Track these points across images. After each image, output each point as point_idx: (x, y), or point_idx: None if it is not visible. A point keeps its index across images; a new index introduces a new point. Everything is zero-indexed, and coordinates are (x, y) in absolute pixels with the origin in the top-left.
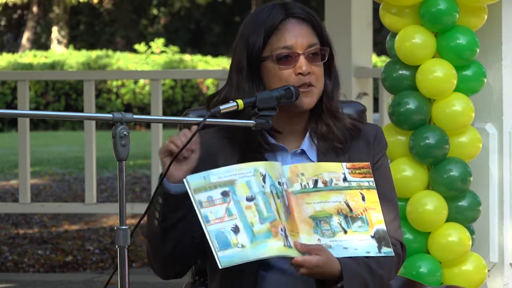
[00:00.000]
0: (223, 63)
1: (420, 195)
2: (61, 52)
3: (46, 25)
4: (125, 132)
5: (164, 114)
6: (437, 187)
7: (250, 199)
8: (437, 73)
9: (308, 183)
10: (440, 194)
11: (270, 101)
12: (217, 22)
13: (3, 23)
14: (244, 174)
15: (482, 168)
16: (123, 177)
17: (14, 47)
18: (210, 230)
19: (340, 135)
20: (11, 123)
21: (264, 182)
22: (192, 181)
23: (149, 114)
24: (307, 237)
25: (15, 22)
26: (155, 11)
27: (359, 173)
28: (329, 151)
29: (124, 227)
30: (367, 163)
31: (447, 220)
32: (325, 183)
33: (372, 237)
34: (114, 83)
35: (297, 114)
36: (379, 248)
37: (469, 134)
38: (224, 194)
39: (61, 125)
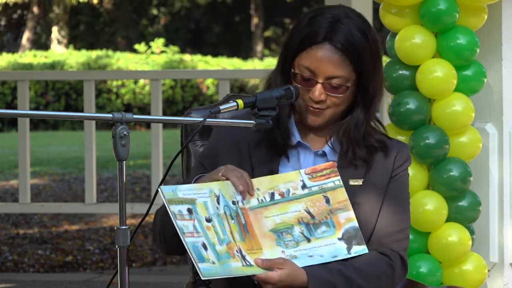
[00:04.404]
0: (223, 63)
1: (420, 195)
2: (61, 52)
3: (46, 25)
4: (125, 132)
5: (164, 114)
6: (437, 187)
7: (208, 220)
8: (437, 73)
9: (264, 197)
10: (440, 194)
11: (270, 101)
12: (217, 22)
13: (3, 23)
14: (201, 195)
15: (482, 168)
16: (123, 177)
17: (14, 47)
18: (187, 242)
19: (360, 155)
20: (11, 123)
21: (218, 203)
22: (165, 192)
23: (149, 114)
24: (271, 251)
25: (15, 22)
26: (155, 11)
27: (321, 176)
28: (349, 162)
29: (124, 227)
30: (331, 163)
31: (447, 220)
32: (282, 194)
33: (340, 239)
34: (114, 83)
35: None
36: (349, 249)
37: (469, 134)
38: (189, 211)
39: (61, 125)
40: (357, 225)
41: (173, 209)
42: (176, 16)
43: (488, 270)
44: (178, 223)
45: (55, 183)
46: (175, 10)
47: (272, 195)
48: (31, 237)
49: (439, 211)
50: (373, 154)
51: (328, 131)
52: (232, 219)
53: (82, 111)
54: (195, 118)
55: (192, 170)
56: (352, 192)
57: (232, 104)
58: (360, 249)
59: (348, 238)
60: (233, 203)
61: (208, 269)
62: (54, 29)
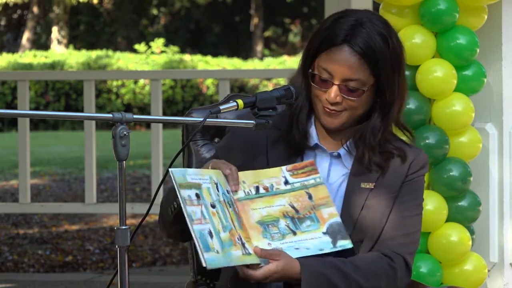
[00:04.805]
0: (223, 63)
1: None
2: (61, 52)
3: (46, 25)
4: (125, 132)
5: (164, 114)
6: (437, 187)
7: (212, 205)
8: (437, 73)
9: (250, 190)
10: (440, 194)
11: (270, 101)
12: (217, 22)
13: (3, 23)
14: (205, 180)
15: (482, 168)
16: (123, 177)
17: (14, 47)
18: (195, 229)
19: (375, 161)
20: (11, 123)
21: (218, 190)
22: (176, 175)
23: (149, 114)
24: (257, 243)
25: (15, 22)
26: (155, 11)
27: (302, 173)
28: (364, 167)
29: (124, 227)
30: (311, 161)
31: (447, 220)
32: (266, 188)
33: (325, 233)
34: (114, 83)
35: None
36: (334, 243)
37: (469, 134)
38: (197, 196)
39: (61, 125)
40: (340, 220)
41: (183, 193)
42: (176, 16)
43: (488, 270)
44: (188, 209)
45: (55, 183)
46: (175, 10)
47: (257, 188)
48: (31, 237)
49: (439, 211)
50: (388, 161)
51: (345, 134)
52: (230, 207)
53: (82, 111)
54: (195, 118)
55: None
56: (362, 195)
57: (232, 104)
58: (345, 243)
59: (332, 233)
60: (227, 192)
61: (212, 259)
62: (54, 29)
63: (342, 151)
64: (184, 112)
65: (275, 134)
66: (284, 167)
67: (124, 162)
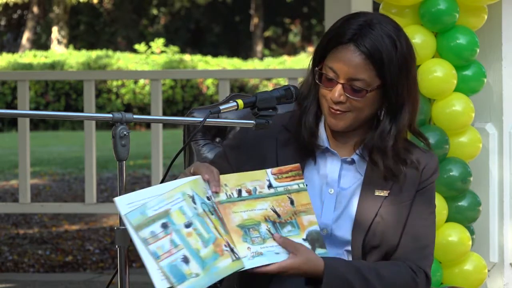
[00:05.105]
0: (223, 63)
1: None
2: (61, 52)
3: (46, 25)
4: (125, 132)
5: (164, 114)
6: (437, 187)
7: (188, 225)
8: (437, 73)
9: (232, 193)
10: (440, 194)
11: (270, 101)
12: (217, 22)
13: (3, 23)
14: (175, 201)
15: (482, 168)
16: (123, 177)
17: (14, 47)
18: (162, 266)
19: (388, 167)
20: (11, 123)
21: (195, 203)
22: (132, 218)
23: (149, 114)
24: (237, 247)
25: (15, 22)
26: (155, 11)
27: (286, 177)
28: (377, 172)
29: (124, 227)
30: (296, 165)
31: (447, 220)
32: (249, 192)
33: (305, 239)
34: (114, 83)
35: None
36: (313, 250)
37: (469, 134)
38: (164, 226)
39: (61, 125)
40: (318, 229)
41: (143, 234)
42: (176, 16)
43: (488, 270)
44: (151, 249)
45: (55, 183)
46: (175, 10)
47: (239, 191)
48: (31, 237)
49: (439, 211)
50: (403, 168)
51: (355, 137)
52: (212, 214)
53: (82, 111)
54: (196, 118)
55: (216, 158)
56: (376, 202)
57: (232, 104)
58: (322, 251)
59: (311, 240)
60: (208, 198)
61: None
62: (54, 29)
63: (355, 157)
64: (184, 112)
65: (285, 136)
66: (269, 170)
67: (124, 162)
